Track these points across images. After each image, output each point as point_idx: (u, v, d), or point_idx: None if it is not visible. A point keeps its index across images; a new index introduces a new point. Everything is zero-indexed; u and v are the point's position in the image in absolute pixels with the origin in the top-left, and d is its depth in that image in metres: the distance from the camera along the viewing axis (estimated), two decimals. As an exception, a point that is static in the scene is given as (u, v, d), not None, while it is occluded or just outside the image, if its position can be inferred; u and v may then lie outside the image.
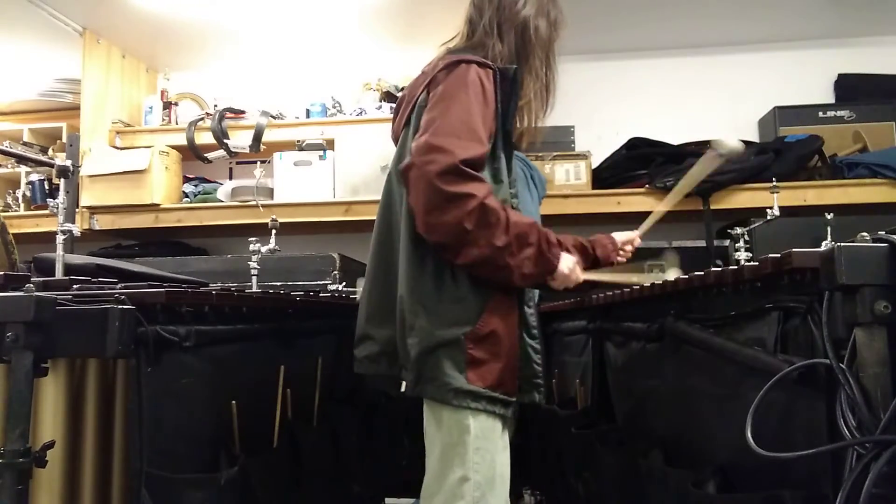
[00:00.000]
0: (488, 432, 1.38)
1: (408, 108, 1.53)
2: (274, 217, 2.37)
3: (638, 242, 1.75)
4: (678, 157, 3.29)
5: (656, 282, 1.52)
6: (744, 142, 3.34)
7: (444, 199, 1.31)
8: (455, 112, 1.37)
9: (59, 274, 1.71)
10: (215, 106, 3.25)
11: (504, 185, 1.46)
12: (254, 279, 2.21)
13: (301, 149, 3.38)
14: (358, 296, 2.59)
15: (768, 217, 2.42)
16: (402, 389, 1.46)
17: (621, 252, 1.73)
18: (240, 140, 2.97)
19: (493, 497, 1.37)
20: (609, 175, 3.36)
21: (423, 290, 1.40)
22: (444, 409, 1.38)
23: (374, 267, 1.55)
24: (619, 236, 1.74)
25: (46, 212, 3.25)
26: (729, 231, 2.51)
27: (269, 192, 3.41)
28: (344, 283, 2.82)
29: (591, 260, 1.64)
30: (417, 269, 1.42)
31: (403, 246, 1.44)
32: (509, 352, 1.41)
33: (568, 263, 1.45)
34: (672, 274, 1.60)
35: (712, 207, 3.12)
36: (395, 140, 1.61)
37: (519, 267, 1.36)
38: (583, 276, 1.50)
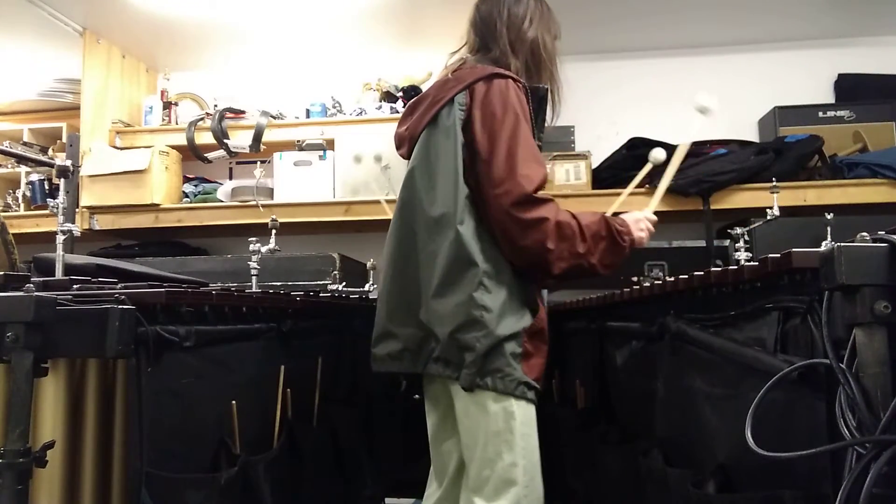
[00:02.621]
0: (530, 419, 1.48)
1: (434, 107, 1.56)
2: (274, 217, 2.37)
3: (653, 218, 1.74)
4: (678, 157, 3.29)
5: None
6: (744, 142, 3.39)
7: (522, 228, 1.44)
8: (516, 136, 1.47)
9: (59, 274, 1.71)
10: (215, 106, 3.25)
11: None
12: (254, 279, 2.21)
13: (301, 149, 3.38)
14: (359, 296, 2.59)
15: (768, 217, 2.42)
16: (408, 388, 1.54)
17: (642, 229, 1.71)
18: (240, 140, 2.96)
19: (538, 479, 1.48)
20: (609, 175, 3.36)
21: (482, 288, 1.46)
22: (489, 398, 1.45)
23: (394, 266, 1.57)
24: (632, 216, 1.70)
25: (46, 212, 3.26)
26: (729, 231, 2.51)
27: (269, 192, 3.41)
28: (344, 283, 2.82)
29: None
30: (462, 270, 1.48)
31: (450, 246, 1.47)
32: (546, 345, 1.53)
33: (636, 230, 1.59)
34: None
35: (712, 207, 3.12)
36: (409, 138, 1.61)
37: (602, 261, 1.51)
38: (650, 218, 1.67)
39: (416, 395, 1.72)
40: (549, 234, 1.44)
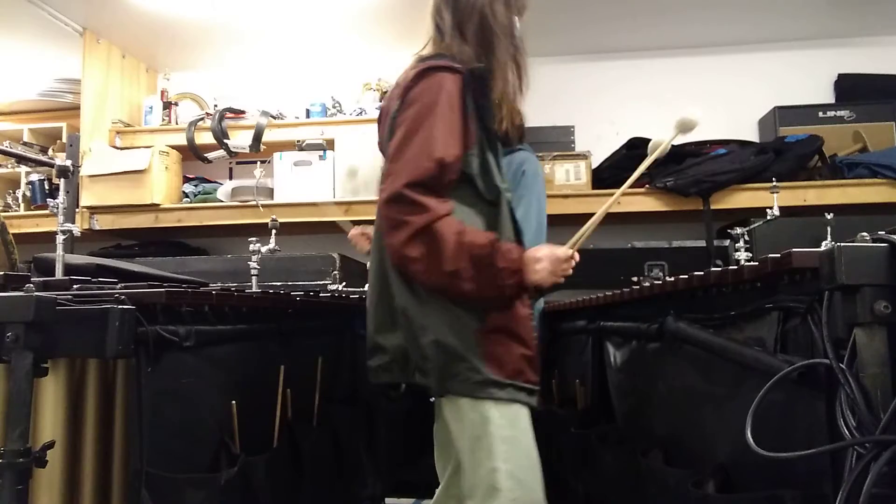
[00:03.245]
0: (513, 421, 1.38)
1: (387, 121, 1.54)
2: (274, 217, 2.37)
3: (568, 254, 1.46)
4: (678, 157, 3.29)
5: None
6: (744, 142, 3.39)
7: (390, 226, 1.35)
8: (413, 131, 1.38)
9: (59, 274, 1.71)
10: (215, 106, 3.25)
11: (494, 184, 1.45)
12: (254, 279, 2.21)
13: (301, 149, 3.38)
14: (359, 296, 2.59)
15: (768, 217, 2.42)
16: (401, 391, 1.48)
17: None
18: (240, 140, 2.97)
19: (531, 484, 1.37)
20: (609, 175, 3.36)
21: (417, 295, 1.41)
22: (465, 403, 1.39)
23: (373, 277, 1.56)
24: (543, 254, 1.44)
25: (46, 212, 3.26)
26: (729, 231, 2.51)
27: (269, 192, 3.41)
28: (344, 283, 2.82)
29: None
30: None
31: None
32: (524, 339, 1.42)
33: (531, 270, 1.38)
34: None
35: (712, 207, 3.12)
36: (382, 151, 1.61)
37: (480, 291, 1.35)
38: (564, 255, 1.41)
39: (432, 398, 1.69)
40: (409, 239, 1.32)
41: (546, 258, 1.39)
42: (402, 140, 1.39)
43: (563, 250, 1.41)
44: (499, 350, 1.38)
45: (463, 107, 1.42)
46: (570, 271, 1.43)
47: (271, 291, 2.06)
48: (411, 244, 1.33)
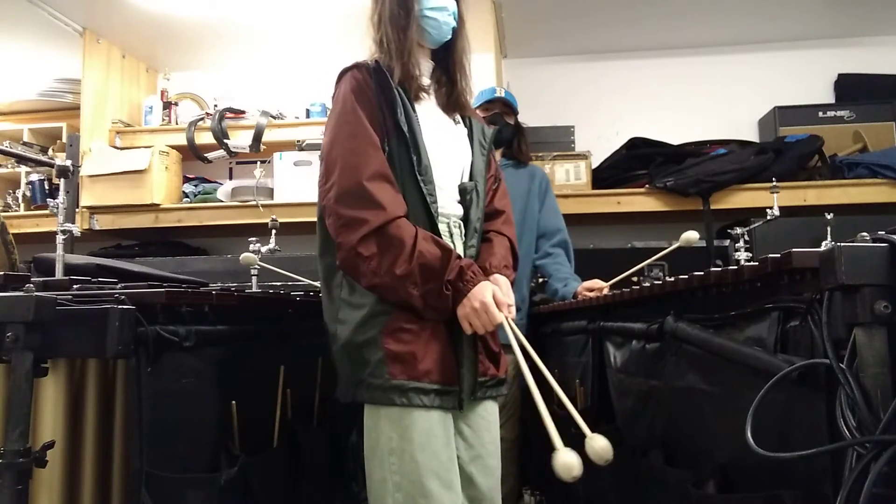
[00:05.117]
0: (406, 430, 1.32)
1: None
2: (274, 217, 2.37)
3: (504, 302, 1.39)
4: (678, 157, 3.30)
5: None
6: (744, 142, 3.39)
7: (340, 225, 1.34)
8: (334, 136, 1.42)
9: (59, 274, 1.71)
10: (215, 106, 3.25)
11: (403, 179, 1.42)
12: (254, 279, 2.21)
13: (301, 149, 3.38)
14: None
15: (768, 217, 2.42)
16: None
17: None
18: (240, 140, 2.97)
19: (418, 499, 1.30)
20: (609, 175, 3.37)
21: (336, 298, 1.43)
22: (366, 410, 1.38)
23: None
24: (496, 289, 1.38)
25: (46, 212, 3.26)
26: (729, 231, 2.51)
27: (269, 192, 3.41)
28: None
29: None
30: (328, 279, 1.46)
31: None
32: (433, 338, 1.36)
33: (476, 299, 1.34)
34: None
35: (712, 207, 3.12)
36: None
37: (426, 300, 1.33)
38: (499, 302, 1.35)
39: None
40: (363, 239, 1.31)
41: (482, 305, 1.33)
42: (327, 145, 1.44)
43: (500, 316, 1.34)
44: (402, 350, 1.34)
45: (370, 103, 1.44)
46: (489, 329, 1.37)
47: (271, 291, 2.06)
48: (366, 243, 1.32)
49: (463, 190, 1.53)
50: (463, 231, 1.52)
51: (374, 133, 1.41)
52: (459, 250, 1.49)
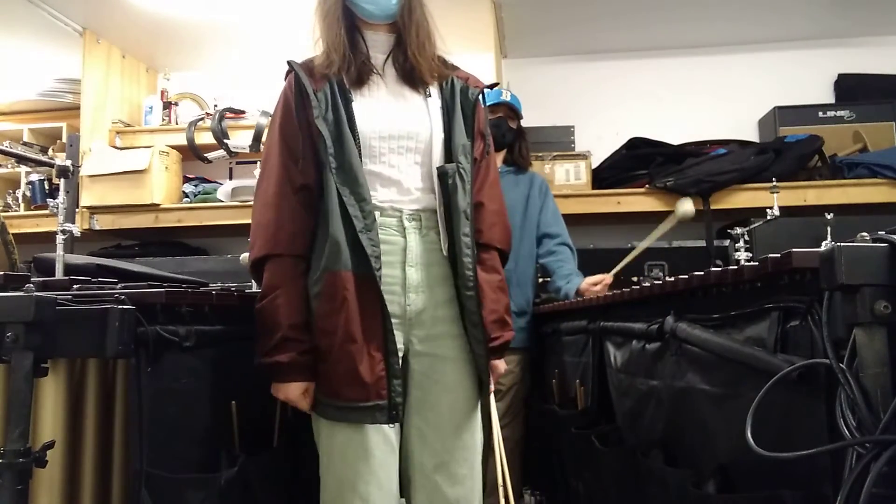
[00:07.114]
0: (328, 443, 1.40)
1: None
2: (274, 217, 2.36)
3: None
4: (678, 157, 3.30)
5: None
6: (744, 142, 3.39)
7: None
8: (263, 158, 1.54)
9: (59, 274, 1.71)
10: (215, 106, 3.25)
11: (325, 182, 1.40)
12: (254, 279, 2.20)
13: (301, 149, 3.38)
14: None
15: (768, 217, 2.42)
16: None
17: None
18: (240, 140, 2.96)
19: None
20: (609, 175, 3.37)
21: None
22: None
23: None
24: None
25: (46, 212, 3.26)
26: (729, 231, 2.51)
27: (269, 192, 3.40)
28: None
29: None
30: None
31: None
32: (342, 356, 1.35)
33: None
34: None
35: (712, 207, 3.12)
36: None
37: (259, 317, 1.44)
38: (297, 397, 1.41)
39: None
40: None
41: (287, 400, 1.42)
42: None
43: (302, 404, 1.41)
44: (321, 368, 1.39)
45: (288, 114, 1.44)
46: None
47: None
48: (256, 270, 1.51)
49: (443, 174, 1.41)
50: (425, 224, 1.45)
51: (290, 162, 1.44)
52: (414, 246, 1.43)
